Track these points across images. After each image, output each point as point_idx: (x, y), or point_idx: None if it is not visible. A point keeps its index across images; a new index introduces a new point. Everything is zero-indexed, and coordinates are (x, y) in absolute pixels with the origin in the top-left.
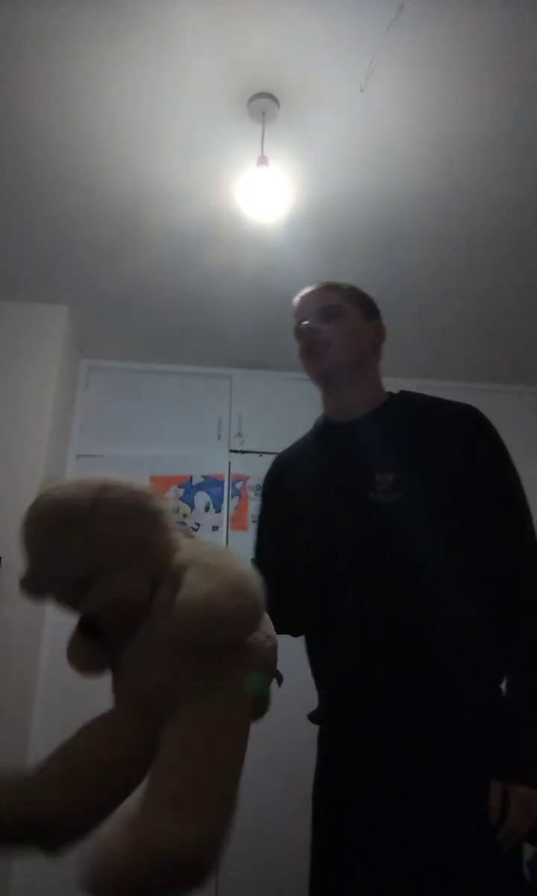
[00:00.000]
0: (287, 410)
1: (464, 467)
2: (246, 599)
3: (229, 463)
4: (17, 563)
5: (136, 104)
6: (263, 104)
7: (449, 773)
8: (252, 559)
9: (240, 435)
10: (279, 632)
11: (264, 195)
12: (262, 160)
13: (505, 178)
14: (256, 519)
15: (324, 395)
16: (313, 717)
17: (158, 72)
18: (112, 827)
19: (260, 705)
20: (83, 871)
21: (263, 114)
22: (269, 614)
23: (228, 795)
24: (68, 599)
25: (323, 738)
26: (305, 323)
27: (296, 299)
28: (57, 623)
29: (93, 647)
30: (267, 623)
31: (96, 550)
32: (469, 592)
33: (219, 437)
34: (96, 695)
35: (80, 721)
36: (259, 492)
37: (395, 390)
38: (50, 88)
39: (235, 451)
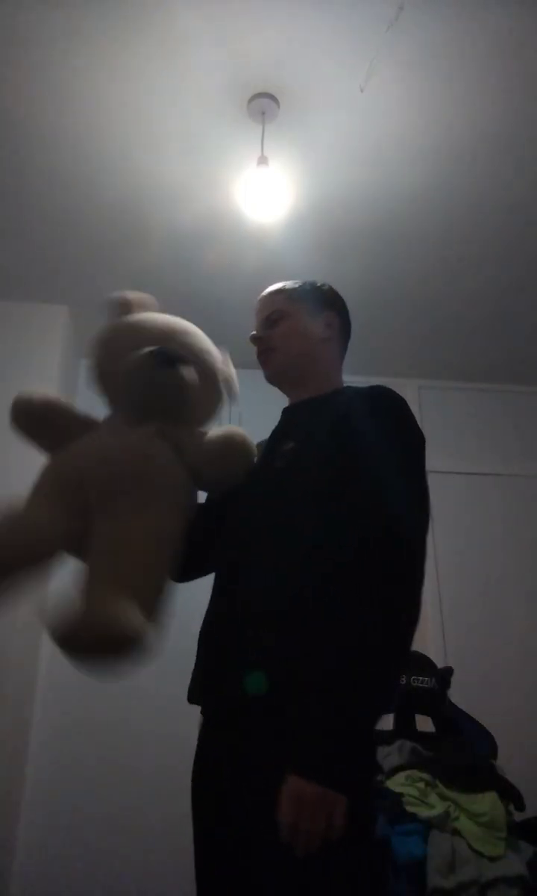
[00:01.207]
0: None
1: (350, 437)
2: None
3: None
4: None
5: (137, 104)
6: (263, 104)
7: (255, 760)
8: None
9: None
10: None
11: (264, 195)
12: (262, 160)
13: (505, 178)
14: None
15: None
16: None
17: (158, 72)
18: (67, 601)
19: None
20: (48, 632)
21: (263, 114)
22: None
23: (157, 585)
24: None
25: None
26: (252, 333)
27: (255, 303)
28: None
29: None
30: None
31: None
32: (313, 557)
33: None
34: (96, 692)
35: (80, 716)
36: None
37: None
38: (49, 88)
39: None
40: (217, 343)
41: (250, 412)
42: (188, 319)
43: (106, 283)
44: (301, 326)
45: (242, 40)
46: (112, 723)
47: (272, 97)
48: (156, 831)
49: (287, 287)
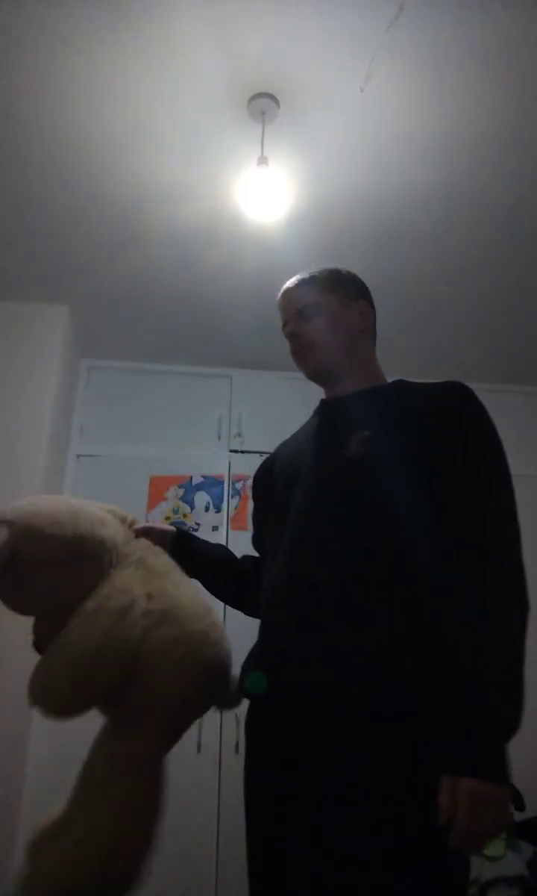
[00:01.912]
0: (287, 410)
1: (443, 431)
2: (71, 669)
3: (229, 463)
4: None
5: (137, 104)
6: (263, 104)
7: (385, 764)
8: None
9: (240, 435)
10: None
11: (264, 195)
12: (262, 160)
13: (505, 178)
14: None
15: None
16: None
17: (158, 72)
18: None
19: (231, 699)
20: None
21: (263, 114)
22: (233, 586)
23: (113, 838)
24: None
25: (249, 720)
26: (286, 328)
27: (278, 297)
28: None
29: None
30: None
31: (21, 592)
32: (429, 555)
33: (219, 437)
34: None
35: (79, 722)
36: None
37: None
38: (49, 88)
39: (235, 451)
40: (217, 343)
41: (250, 412)
42: (188, 319)
43: (106, 283)
44: (339, 317)
45: (242, 40)
46: None
47: (272, 97)
48: None
49: (317, 277)
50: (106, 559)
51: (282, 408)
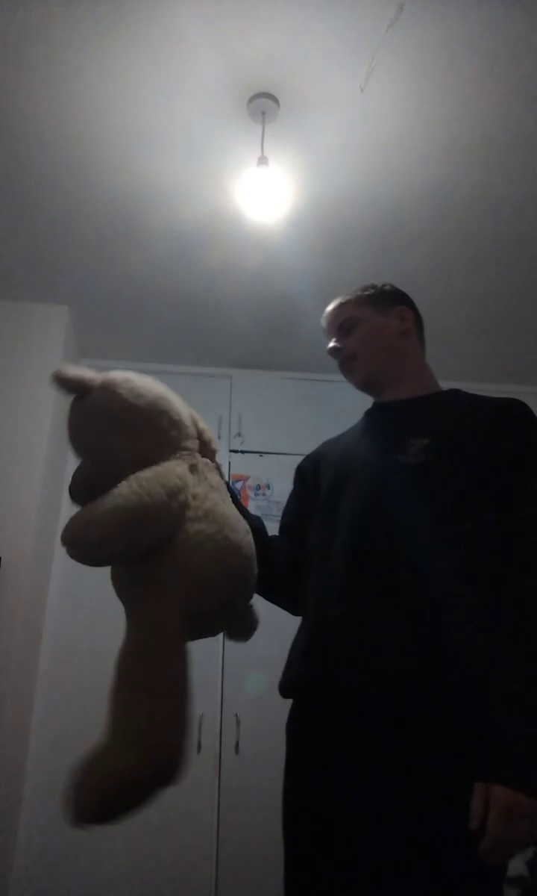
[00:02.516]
0: (287, 410)
1: (499, 450)
2: (111, 516)
3: (229, 463)
4: (17, 562)
5: (136, 104)
6: (263, 104)
7: (428, 766)
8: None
9: (240, 435)
10: (286, 606)
11: (264, 195)
12: (262, 160)
13: (505, 178)
14: None
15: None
16: (284, 688)
17: (158, 72)
18: (82, 763)
19: (247, 626)
20: (65, 803)
21: (263, 114)
22: (285, 587)
23: (164, 720)
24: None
25: (291, 719)
26: (329, 345)
27: (322, 322)
28: (57, 622)
29: None
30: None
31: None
32: (468, 564)
33: (219, 438)
34: (97, 692)
35: (79, 717)
36: (260, 491)
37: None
38: (49, 88)
39: (235, 451)
40: (217, 343)
41: (250, 412)
42: (188, 319)
43: (106, 283)
44: (376, 327)
45: (242, 40)
46: None
47: (272, 97)
48: (156, 831)
49: (352, 296)
50: (168, 445)
51: (282, 408)
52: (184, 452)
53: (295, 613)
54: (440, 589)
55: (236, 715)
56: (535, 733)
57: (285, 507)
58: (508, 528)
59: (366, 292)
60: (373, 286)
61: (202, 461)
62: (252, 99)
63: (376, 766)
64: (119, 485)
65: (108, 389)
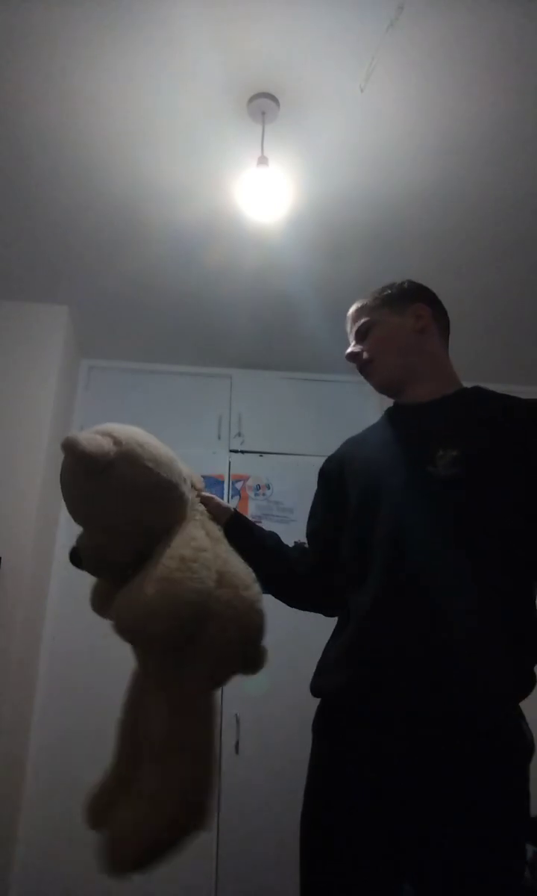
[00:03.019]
0: (287, 410)
1: (530, 457)
2: (170, 601)
3: (229, 463)
4: (17, 562)
5: (137, 104)
6: (263, 104)
7: (443, 762)
8: (307, 535)
9: (240, 435)
10: (317, 610)
11: (264, 195)
12: (262, 160)
13: (505, 178)
14: (257, 518)
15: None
16: (319, 690)
17: (158, 72)
18: (111, 827)
19: (257, 665)
20: (99, 857)
21: (263, 114)
22: (312, 593)
23: (203, 779)
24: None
25: (326, 718)
26: (347, 351)
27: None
28: (57, 622)
29: (102, 586)
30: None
31: (100, 501)
32: (503, 579)
33: (219, 437)
34: (97, 692)
35: (80, 717)
36: (259, 491)
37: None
38: (50, 88)
39: (235, 451)
40: (217, 343)
41: (250, 412)
42: (188, 319)
43: (106, 283)
44: (391, 328)
45: (242, 40)
46: (112, 723)
47: (272, 97)
48: None
49: (368, 299)
50: (180, 509)
51: (282, 408)
52: (192, 507)
53: (328, 615)
54: (475, 614)
55: (236, 715)
56: None
57: (312, 508)
58: None
59: (384, 293)
60: (392, 285)
61: (200, 510)
62: (252, 99)
63: (433, 767)
64: (167, 566)
65: (134, 463)
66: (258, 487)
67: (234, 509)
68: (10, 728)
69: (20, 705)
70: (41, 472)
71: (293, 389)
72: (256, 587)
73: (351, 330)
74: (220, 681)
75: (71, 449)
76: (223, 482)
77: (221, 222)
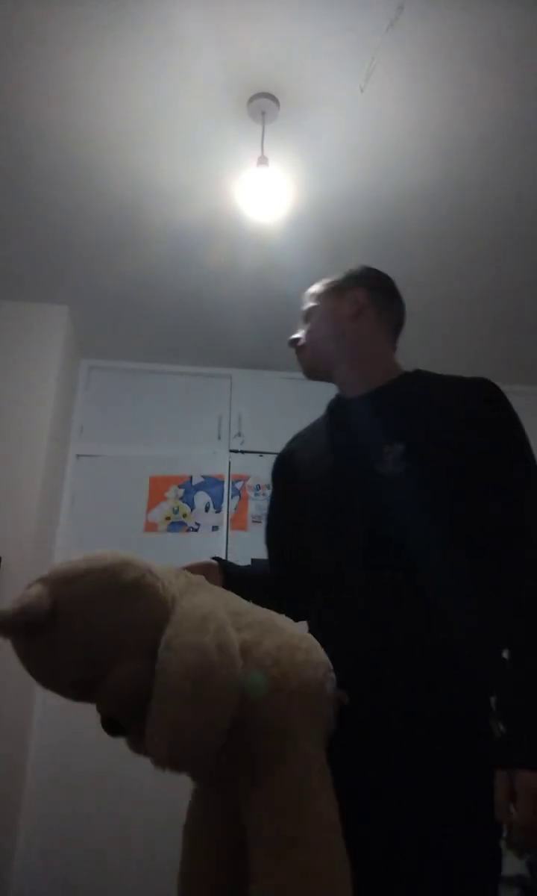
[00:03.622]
0: (287, 410)
1: (476, 437)
2: (207, 717)
3: (229, 463)
4: (17, 562)
5: (137, 104)
6: (263, 104)
7: (441, 762)
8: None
9: (240, 435)
10: (287, 614)
11: (264, 195)
12: (262, 160)
13: (505, 178)
14: (257, 518)
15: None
16: None
17: (159, 72)
18: None
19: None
20: None
21: (263, 114)
22: (275, 599)
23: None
24: (87, 698)
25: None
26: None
27: None
28: None
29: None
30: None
31: (73, 651)
32: (475, 569)
33: (219, 437)
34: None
35: (80, 717)
36: (259, 491)
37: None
38: (50, 88)
39: (235, 451)
40: (217, 343)
41: (250, 412)
42: (188, 319)
43: (106, 283)
44: (325, 313)
45: (242, 40)
46: None
47: (272, 97)
48: (156, 833)
49: (317, 288)
50: (160, 587)
51: (282, 408)
52: (184, 588)
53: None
54: (442, 598)
55: None
56: None
57: (268, 511)
58: (506, 524)
59: (331, 278)
60: (340, 273)
61: (186, 577)
62: (252, 99)
63: (393, 763)
64: (170, 665)
65: (80, 590)
66: (258, 487)
67: (215, 560)
68: (10, 728)
69: (20, 705)
70: (41, 472)
71: (293, 389)
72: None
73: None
74: (322, 744)
75: (5, 621)
76: (223, 482)
77: (221, 222)
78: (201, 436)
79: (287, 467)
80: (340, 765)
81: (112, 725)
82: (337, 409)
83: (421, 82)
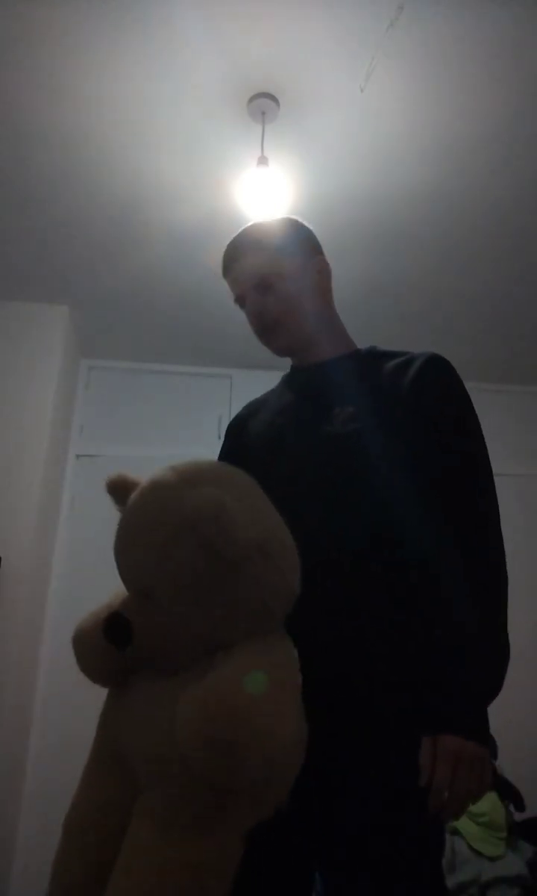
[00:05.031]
0: None
1: (421, 408)
2: (296, 743)
3: None
4: (17, 562)
5: (137, 104)
6: (263, 104)
7: (374, 727)
8: None
9: None
10: None
11: (264, 195)
12: (262, 160)
13: (505, 178)
14: None
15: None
16: None
17: (159, 72)
18: None
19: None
20: None
21: (263, 114)
22: None
23: None
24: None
25: None
26: (247, 306)
27: (223, 266)
28: (58, 622)
29: (110, 655)
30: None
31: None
32: (414, 527)
33: (219, 437)
34: (97, 692)
35: (80, 717)
36: None
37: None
38: (50, 88)
39: None
40: (217, 343)
41: None
42: (188, 319)
43: (106, 283)
44: (298, 287)
45: (242, 40)
46: None
47: (272, 97)
48: None
49: (265, 241)
50: (272, 618)
51: None
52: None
53: None
54: (377, 557)
55: None
56: (480, 679)
57: None
58: (443, 491)
59: (285, 240)
60: (288, 227)
61: None
62: (252, 99)
63: (338, 727)
64: (290, 694)
65: (271, 558)
66: None
67: None
68: (10, 728)
69: (20, 705)
70: (41, 472)
71: None
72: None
73: (242, 277)
74: (265, 815)
75: (206, 531)
76: None
77: (221, 222)
78: (201, 436)
79: (236, 431)
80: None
81: (119, 631)
82: (292, 377)
83: (421, 82)
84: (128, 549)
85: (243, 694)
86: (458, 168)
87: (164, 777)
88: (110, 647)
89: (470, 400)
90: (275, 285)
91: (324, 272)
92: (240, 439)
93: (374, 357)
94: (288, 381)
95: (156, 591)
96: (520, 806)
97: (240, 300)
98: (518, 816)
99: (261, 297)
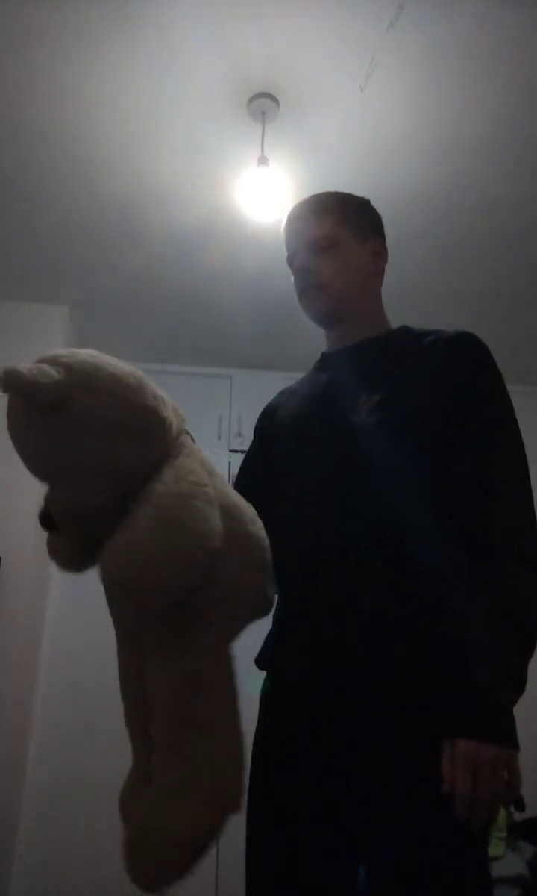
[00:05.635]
0: None
1: (453, 389)
2: (176, 544)
3: (229, 463)
4: (17, 562)
5: (137, 104)
6: (263, 104)
7: (401, 731)
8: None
9: (240, 435)
10: None
11: (264, 195)
12: (262, 160)
13: (505, 178)
14: None
15: (326, 332)
16: (259, 661)
17: (159, 72)
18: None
19: (267, 600)
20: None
21: (263, 114)
22: None
23: (228, 759)
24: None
25: (266, 692)
26: (297, 263)
27: (284, 224)
28: (57, 622)
29: (64, 543)
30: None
31: (63, 442)
32: (440, 523)
33: (219, 437)
34: (97, 692)
35: (80, 717)
36: None
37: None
38: (50, 88)
39: (235, 451)
40: (217, 343)
41: (250, 412)
42: (188, 319)
43: (106, 284)
44: (353, 259)
45: (242, 40)
46: (113, 723)
47: (272, 97)
48: None
49: (332, 206)
50: (162, 439)
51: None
52: (180, 447)
53: None
54: (397, 553)
55: None
56: (498, 681)
57: (243, 462)
58: (470, 477)
59: (353, 212)
60: (357, 201)
61: (186, 438)
62: (252, 99)
63: (367, 726)
64: (165, 505)
65: (93, 390)
66: None
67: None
68: (10, 728)
69: (20, 705)
70: None
71: None
72: (260, 522)
73: (303, 237)
74: (232, 633)
75: (14, 383)
76: None
77: (221, 222)
78: (201, 436)
79: (269, 420)
80: (286, 732)
81: (47, 521)
82: (321, 363)
83: (421, 82)
84: (24, 456)
85: (127, 538)
86: (458, 168)
87: (125, 618)
88: (51, 533)
89: (501, 377)
90: (330, 250)
91: (380, 255)
92: (270, 436)
93: (406, 337)
94: (320, 367)
95: (47, 479)
96: (520, 806)
97: (291, 258)
98: (518, 816)
99: (314, 257)
